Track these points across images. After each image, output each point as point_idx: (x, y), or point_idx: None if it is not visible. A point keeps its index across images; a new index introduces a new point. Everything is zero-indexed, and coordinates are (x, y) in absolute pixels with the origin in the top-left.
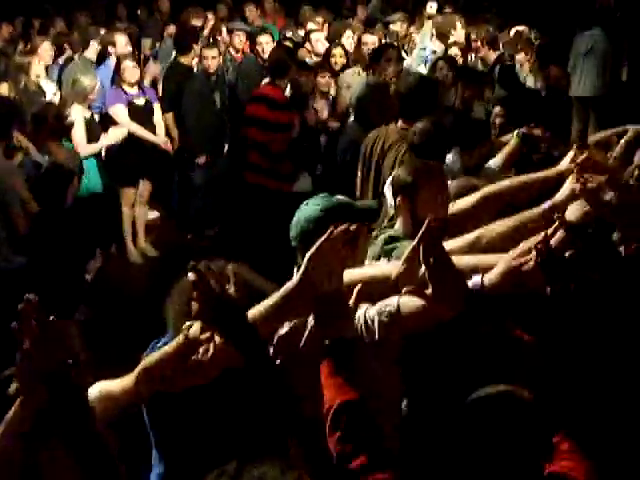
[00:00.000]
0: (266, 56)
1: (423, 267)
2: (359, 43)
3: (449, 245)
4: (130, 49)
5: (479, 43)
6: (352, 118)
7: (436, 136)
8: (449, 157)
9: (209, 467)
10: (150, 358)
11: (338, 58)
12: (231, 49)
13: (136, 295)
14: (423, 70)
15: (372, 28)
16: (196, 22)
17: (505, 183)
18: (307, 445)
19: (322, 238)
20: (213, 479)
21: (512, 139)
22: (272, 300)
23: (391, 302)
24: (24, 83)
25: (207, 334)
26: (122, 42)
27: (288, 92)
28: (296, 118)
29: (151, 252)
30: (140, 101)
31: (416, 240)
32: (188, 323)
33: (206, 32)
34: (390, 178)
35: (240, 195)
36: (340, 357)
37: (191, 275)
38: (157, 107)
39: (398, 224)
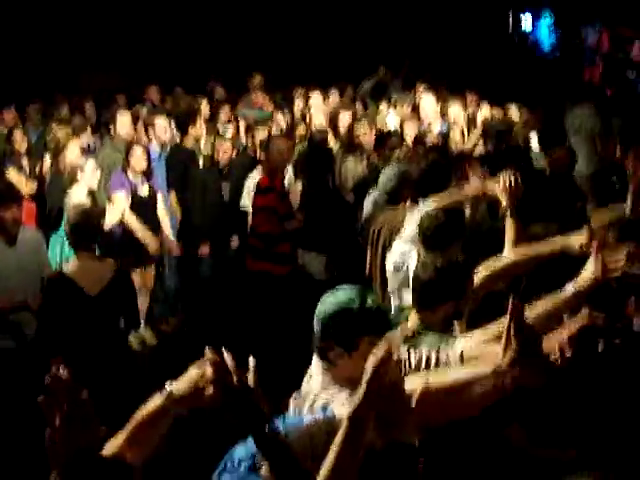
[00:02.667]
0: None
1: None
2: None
3: (478, 335)
4: (168, 135)
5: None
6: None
7: (447, 226)
8: None
9: None
10: (134, 418)
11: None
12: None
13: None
14: None
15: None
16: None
17: (508, 261)
18: None
19: (376, 361)
20: None
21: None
22: (343, 432)
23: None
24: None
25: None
26: (161, 125)
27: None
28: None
29: (151, 340)
30: (144, 191)
31: (507, 321)
32: (169, 383)
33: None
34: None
35: (242, 283)
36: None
37: (209, 356)
38: (160, 197)
39: (414, 317)
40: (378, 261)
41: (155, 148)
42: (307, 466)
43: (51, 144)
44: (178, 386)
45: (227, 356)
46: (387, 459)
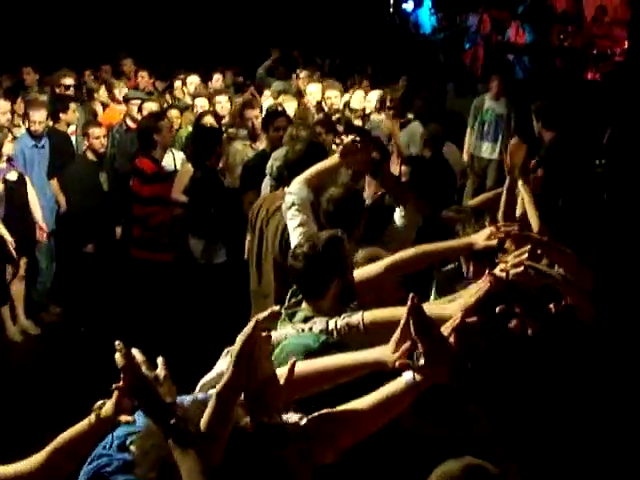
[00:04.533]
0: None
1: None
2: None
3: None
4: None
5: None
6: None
7: (351, 203)
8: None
9: None
10: (61, 438)
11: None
12: (128, 119)
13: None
14: None
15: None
16: (69, 81)
17: (409, 253)
18: None
19: (248, 331)
20: None
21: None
22: (211, 407)
23: None
24: None
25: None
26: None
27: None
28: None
29: (33, 330)
30: (13, 176)
31: (405, 318)
32: (99, 402)
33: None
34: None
35: (127, 272)
36: None
37: (118, 356)
38: (28, 181)
39: (306, 304)
40: (255, 244)
41: (26, 136)
42: None
43: None
44: (106, 407)
45: (135, 350)
46: (256, 440)
